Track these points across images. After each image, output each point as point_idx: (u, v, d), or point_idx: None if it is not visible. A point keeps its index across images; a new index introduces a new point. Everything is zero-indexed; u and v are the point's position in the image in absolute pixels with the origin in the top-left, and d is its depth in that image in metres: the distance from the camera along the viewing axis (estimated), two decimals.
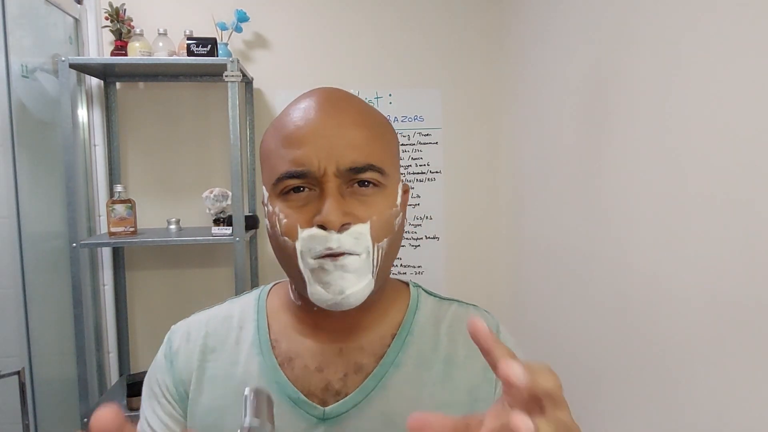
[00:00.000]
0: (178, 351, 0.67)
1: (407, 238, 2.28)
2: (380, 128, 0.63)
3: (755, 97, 0.94)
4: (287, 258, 0.59)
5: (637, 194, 1.28)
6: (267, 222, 0.63)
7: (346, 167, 0.58)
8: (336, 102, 0.62)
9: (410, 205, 2.26)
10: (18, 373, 1.42)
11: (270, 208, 0.61)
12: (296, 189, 0.59)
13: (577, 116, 1.58)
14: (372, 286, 0.59)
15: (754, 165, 0.94)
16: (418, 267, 2.29)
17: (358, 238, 0.57)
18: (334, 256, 0.56)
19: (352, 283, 0.57)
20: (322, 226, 0.56)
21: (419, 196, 2.27)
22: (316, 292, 0.58)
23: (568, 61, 1.63)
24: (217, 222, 1.97)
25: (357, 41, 2.20)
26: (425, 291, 0.73)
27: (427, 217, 2.28)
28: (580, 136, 1.56)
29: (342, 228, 0.56)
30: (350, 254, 0.57)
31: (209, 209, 1.96)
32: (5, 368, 1.43)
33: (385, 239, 0.60)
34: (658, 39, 1.20)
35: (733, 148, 0.99)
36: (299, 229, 0.57)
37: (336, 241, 0.56)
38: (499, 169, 2.29)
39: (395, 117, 2.23)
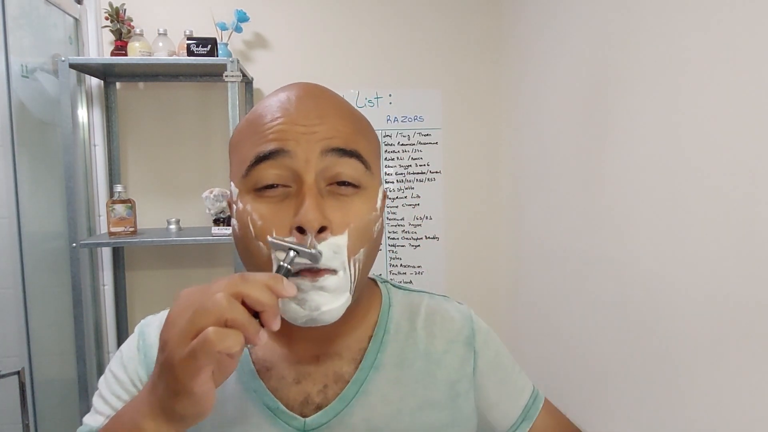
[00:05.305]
0: (153, 346, 0.63)
1: (407, 238, 2.28)
2: (363, 124, 0.61)
3: (756, 97, 0.94)
4: (259, 266, 0.54)
5: (638, 194, 1.28)
6: (235, 222, 0.57)
7: (330, 147, 0.54)
8: (317, 93, 0.58)
9: (410, 205, 2.27)
10: (18, 373, 1.42)
11: (240, 205, 0.56)
12: (270, 186, 0.54)
13: (578, 116, 1.58)
14: (349, 303, 0.56)
15: (754, 165, 0.94)
16: (418, 267, 2.29)
17: (337, 251, 0.53)
18: (313, 272, 0.53)
19: (329, 301, 0.53)
20: (300, 229, 0.52)
21: (419, 196, 2.27)
22: (290, 309, 0.53)
23: (569, 61, 1.63)
24: (217, 222, 1.96)
25: (357, 41, 2.20)
26: (393, 285, 0.70)
27: (427, 217, 2.28)
28: (580, 136, 1.56)
29: (320, 234, 0.52)
30: (329, 273, 0.53)
31: (209, 209, 1.96)
32: (5, 368, 1.43)
33: (361, 249, 0.56)
34: (659, 39, 1.20)
35: (733, 149, 0.99)
36: (274, 237, 0.53)
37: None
38: (499, 169, 2.29)
39: (395, 117, 2.23)
